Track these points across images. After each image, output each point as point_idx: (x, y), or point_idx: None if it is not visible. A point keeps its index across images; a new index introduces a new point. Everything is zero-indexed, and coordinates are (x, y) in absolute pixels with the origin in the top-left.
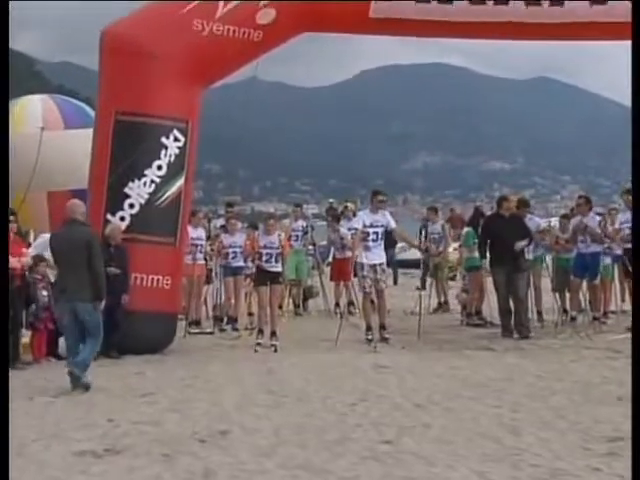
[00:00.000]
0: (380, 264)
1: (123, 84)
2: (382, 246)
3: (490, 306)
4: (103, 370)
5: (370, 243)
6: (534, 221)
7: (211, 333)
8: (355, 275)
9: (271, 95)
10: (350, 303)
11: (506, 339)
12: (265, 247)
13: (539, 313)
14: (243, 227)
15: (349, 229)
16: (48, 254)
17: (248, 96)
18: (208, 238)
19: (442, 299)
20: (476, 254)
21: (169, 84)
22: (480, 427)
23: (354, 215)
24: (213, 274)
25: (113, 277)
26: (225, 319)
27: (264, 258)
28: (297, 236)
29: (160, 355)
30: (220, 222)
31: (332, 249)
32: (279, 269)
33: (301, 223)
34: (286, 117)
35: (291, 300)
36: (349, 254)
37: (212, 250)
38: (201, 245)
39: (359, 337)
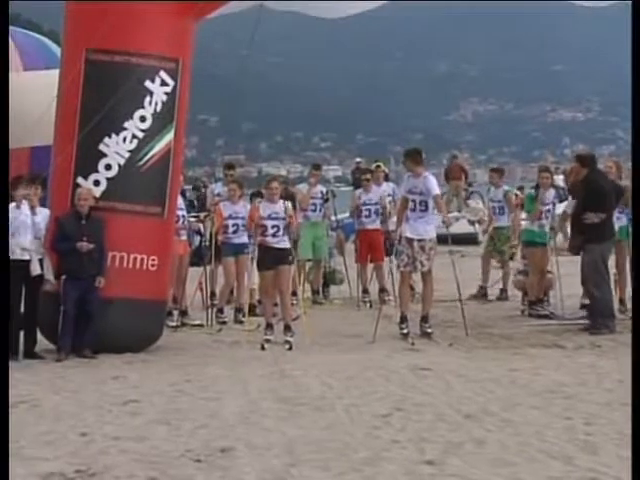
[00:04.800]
0: (419, 240)
1: (95, 14)
2: (426, 219)
3: (560, 292)
4: (73, 373)
5: (408, 213)
6: None
7: (201, 325)
8: (389, 254)
9: (282, 28)
10: (382, 289)
11: (579, 334)
12: (269, 218)
13: (621, 301)
14: (246, 194)
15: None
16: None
17: (254, 29)
18: (202, 208)
19: (486, 283)
20: (535, 226)
21: (154, 14)
22: (546, 443)
23: (387, 178)
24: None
25: (85, 256)
26: (225, 309)
27: (269, 232)
28: (315, 205)
29: (144, 354)
30: (218, 187)
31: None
32: (287, 245)
33: (320, 189)
34: (301, 56)
35: (308, 285)
36: (377, 225)
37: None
38: (182, 216)
39: (393, 331)
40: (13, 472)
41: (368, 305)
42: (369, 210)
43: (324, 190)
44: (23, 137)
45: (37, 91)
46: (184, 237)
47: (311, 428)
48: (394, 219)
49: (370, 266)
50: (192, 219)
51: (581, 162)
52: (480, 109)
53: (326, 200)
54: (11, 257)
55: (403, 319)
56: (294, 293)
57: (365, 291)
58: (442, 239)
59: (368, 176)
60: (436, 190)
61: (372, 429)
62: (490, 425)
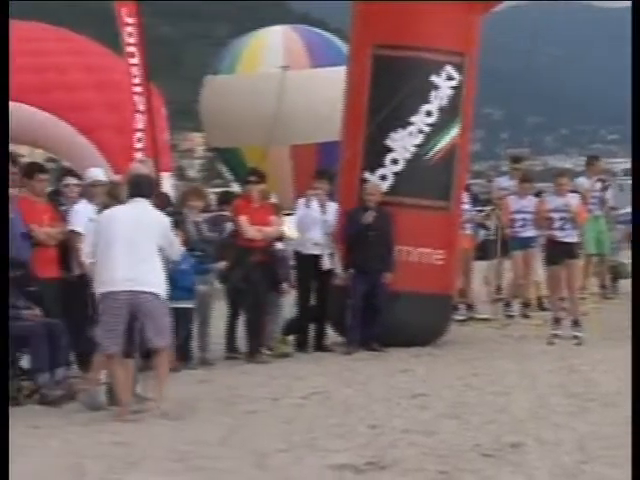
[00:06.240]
0: None
1: (383, 10)
2: None
3: None
4: (362, 365)
5: None
6: None
7: (487, 319)
8: None
9: (570, 19)
10: None
11: None
12: (556, 211)
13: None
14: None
15: None
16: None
17: (539, 21)
18: (488, 202)
19: None
20: None
21: (440, 8)
22: None
23: None
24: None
25: (372, 250)
26: (512, 303)
27: (556, 225)
28: (596, 198)
29: (431, 348)
30: (504, 181)
31: None
32: (575, 239)
33: (599, 180)
34: (589, 47)
35: (596, 280)
36: None
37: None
38: (466, 210)
39: None
40: (307, 463)
41: None
42: None
43: (603, 180)
44: (311, 132)
45: (324, 87)
46: (469, 231)
47: (602, 424)
48: None
49: None
50: (476, 213)
51: None
52: None
53: (604, 189)
54: (303, 252)
55: None
56: (582, 288)
57: None
58: None
59: None
60: None
61: None
62: None
